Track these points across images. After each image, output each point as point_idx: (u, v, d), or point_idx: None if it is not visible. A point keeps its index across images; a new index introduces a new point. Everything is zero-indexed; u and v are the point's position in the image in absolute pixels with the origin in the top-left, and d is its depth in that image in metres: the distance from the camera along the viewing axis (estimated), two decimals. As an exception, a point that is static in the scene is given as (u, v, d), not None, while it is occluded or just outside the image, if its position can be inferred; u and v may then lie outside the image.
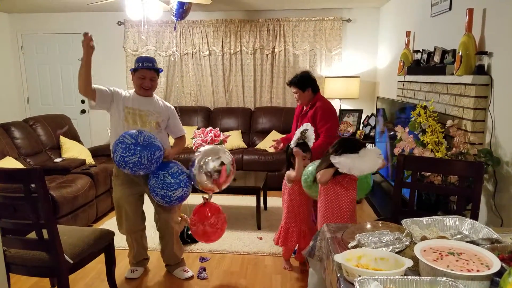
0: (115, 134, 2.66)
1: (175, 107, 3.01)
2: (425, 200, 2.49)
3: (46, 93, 6.16)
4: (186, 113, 5.61)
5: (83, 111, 6.14)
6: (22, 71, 6.10)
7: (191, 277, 2.90)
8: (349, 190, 2.30)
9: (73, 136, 4.76)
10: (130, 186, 2.74)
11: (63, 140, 4.50)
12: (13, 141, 3.95)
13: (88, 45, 2.43)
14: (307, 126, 2.95)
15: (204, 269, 2.99)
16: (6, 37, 5.93)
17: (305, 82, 3.20)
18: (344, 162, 2.11)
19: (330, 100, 5.57)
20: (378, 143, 4.18)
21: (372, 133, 4.96)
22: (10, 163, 3.53)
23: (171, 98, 5.91)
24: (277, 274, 2.97)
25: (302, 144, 2.87)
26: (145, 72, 2.66)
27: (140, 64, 2.65)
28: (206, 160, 2.58)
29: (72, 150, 4.43)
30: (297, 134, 2.96)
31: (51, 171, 3.83)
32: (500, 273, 1.19)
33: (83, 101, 6.10)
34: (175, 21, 4.43)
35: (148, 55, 2.95)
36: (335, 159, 2.14)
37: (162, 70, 2.99)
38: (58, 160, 4.21)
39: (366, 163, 2.10)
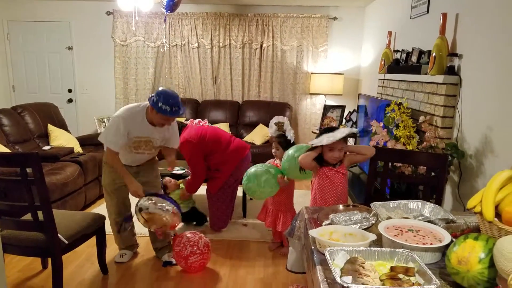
0: (121, 154, 2.74)
1: None
2: (396, 189, 2.69)
3: (32, 81, 6.14)
4: (174, 105, 5.71)
5: (70, 100, 6.17)
6: (8, 59, 6.06)
7: (178, 261, 3.05)
8: (340, 172, 2.35)
9: (61, 124, 4.82)
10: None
11: (51, 128, 4.56)
12: (1, 128, 3.99)
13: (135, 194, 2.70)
14: (283, 119, 3.11)
15: (190, 253, 3.13)
16: (-7, 24, 5.90)
17: None
18: (317, 139, 2.22)
19: (315, 96, 5.84)
20: (361, 138, 4.38)
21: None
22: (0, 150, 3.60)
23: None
24: (260, 256, 3.15)
25: (282, 136, 3.06)
26: (171, 118, 2.61)
27: (169, 109, 2.50)
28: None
29: (60, 138, 4.50)
30: (272, 126, 3.12)
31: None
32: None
33: (70, 90, 6.14)
34: (165, 13, 4.52)
35: (174, 94, 2.59)
36: (311, 142, 2.27)
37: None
38: (46, 148, 4.28)
39: (335, 133, 2.18)
